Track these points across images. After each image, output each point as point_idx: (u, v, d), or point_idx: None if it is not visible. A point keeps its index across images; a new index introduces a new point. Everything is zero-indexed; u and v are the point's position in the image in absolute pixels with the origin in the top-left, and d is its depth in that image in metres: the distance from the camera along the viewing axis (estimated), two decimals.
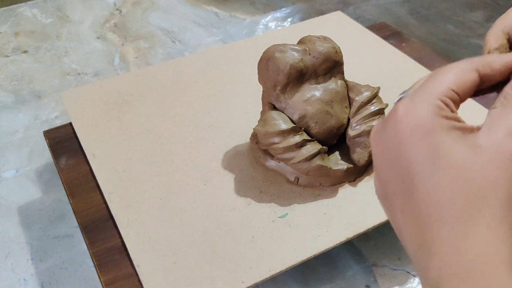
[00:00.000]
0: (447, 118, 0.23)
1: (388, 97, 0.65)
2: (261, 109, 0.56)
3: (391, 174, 0.25)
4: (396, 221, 0.25)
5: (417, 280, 0.54)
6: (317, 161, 0.51)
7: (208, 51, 0.75)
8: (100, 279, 0.46)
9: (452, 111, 0.24)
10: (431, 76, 0.25)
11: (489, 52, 0.34)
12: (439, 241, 0.22)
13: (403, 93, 0.26)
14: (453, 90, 0.24)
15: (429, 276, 0.22)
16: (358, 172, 0.54)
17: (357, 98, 0.54)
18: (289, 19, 1.02)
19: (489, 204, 0.22)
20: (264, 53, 0.53)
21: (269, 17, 1.03)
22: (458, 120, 0.24)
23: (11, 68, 0.89)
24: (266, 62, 0.52)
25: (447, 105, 0.24)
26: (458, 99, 0.25)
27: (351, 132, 0.53)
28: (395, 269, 0.55)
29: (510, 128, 0.23)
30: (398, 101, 0.26)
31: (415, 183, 0.23)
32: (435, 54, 0.77)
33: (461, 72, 0.25)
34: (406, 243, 0.24)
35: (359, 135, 0.53)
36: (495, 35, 0.34)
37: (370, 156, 0.53)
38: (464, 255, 0.21)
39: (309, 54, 0.52)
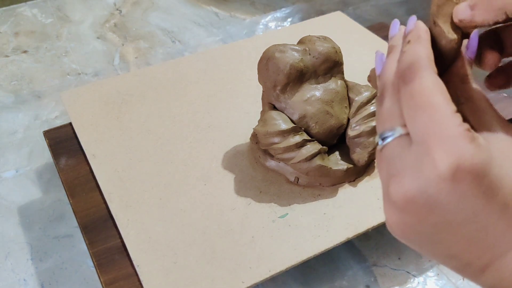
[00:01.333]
0: (479, 142, 0.22)
1: None
2: (261, 109, 0.56)
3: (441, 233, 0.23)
4: (457, 259, 0.24)
5: (417, 280, 0.54)
6: (317, 161, 0.51)
7: (208, 51, 0.75)
8: (100, 279, 0.46)
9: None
10: (421, 105, 0.22)
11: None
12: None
13: (381, 127, 0.25)
14: (458, 114, 0.22)
15: None
16: (358, 172, 0.54)
17: (357, 98, 0.54)
18: (289, 19, 1.02)
19: None
20: (264, 53, 0.53)
21: (269, 17, 1.03)
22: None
23: (11, 68, 0.89)
24: (266, 62, 0.52)
25: (469, 130, 0.22)
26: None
27: (351, 132, 0.53)
28: (395, 269, 0.55)
29: (499, 119, 0.24)
30: (394, 139, 0.24)
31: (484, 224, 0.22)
32: None
33: (446, 92, 0.23)
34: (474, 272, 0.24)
35: (359, 135, 0.53)
36: None
37: (369, 156, 0.53)
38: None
39: (309, 54, 0.52)
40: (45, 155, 0.71)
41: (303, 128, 0.52)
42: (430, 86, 0.23)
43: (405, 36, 0.27)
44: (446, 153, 0.21)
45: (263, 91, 0.55)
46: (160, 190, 0.54)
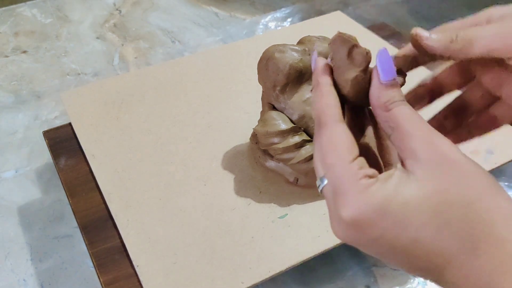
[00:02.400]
0: (380, 182, 0.25)
1: None
2: (261, 109, 0.56)
3: (384, 255, 0.25)
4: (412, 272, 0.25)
5: (417, 280, 0.54)
6: None
7: (208, 51, 0.75)
8: (99, 280, 0.46)
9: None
10: (326, 151, 0.26)
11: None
12: (457, 275, 0.23)
13: (317, 173, 0.27)
14: (354, 156, 0.25)
15: None
16: None
17: None
18: (289, 19, 1.02)
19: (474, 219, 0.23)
20: (264, 53, 0.53)
21: (269, 17, 1.03)
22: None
23: (10, 68, 0.89)
24: (266, 62, 0.52)
25: (366, 176, 0.25)
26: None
27: None
28: (395, 270, 0.55)
29: (425, 137, 0.25)
30: (323, 188, 0.26)
31: (413, 251, 0.24)
32: None
33: (346, 137, 0.26)
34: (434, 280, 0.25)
35: None
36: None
37: None
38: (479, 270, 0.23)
39: (309, 54, 0.52)
40: (45, 155, 0.71)
41: (302, 128, 0.52)
42: (331, 140, 0.26)
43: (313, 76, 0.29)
44: (345, 207, 0.24)
45: (262, 91, 0.55)
46: (160, 190, 0.54)
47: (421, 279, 0.54)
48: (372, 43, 0.77)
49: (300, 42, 0.54)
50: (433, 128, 0.25)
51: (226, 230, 0.50)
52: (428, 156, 0.24)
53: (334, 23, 0.80)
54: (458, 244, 0.23)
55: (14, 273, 0.56)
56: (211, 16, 1.04)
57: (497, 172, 0.67)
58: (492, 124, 0.35)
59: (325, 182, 0.26)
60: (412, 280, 0.54)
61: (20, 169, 0.69)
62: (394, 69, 0.27)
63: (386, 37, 0.79)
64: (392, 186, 0.24)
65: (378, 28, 0.82)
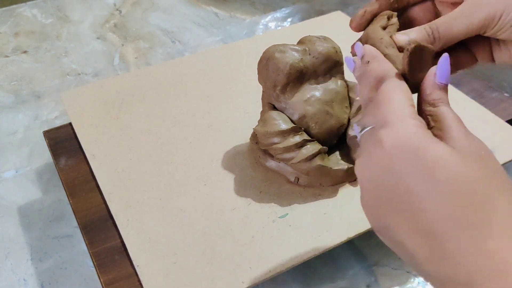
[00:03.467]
0: (429, 132, 0.26)
1: None
2: (261, 109, 0.56)
3: (390, 205, 0.26)
4: (404, 248, 0.26)
5: (417, 280, 0.54)
6: (317, 161, 0.51)
7: (208, 51, 0.75)
8: (100, 279, 0.46)
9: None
10: (383, 101, 0.28)
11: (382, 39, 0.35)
12: (462, 248, 0.23)
13: (359, 125, 0.30)
14: (412, 106, 0.28)
15: (458, 282, 0.23)
16: None
17: (357, 98, 0.54)
18: (289, 19, 1.02)
19: (496, 205, 0.23)
20: (264, 53, 0.53)
21: (269, 17, 1.03)
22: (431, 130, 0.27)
23: (11, 68, 0.89)
24: (266, 62, 0.52)
25: (421, 121, 0.27)
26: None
27: (351, 132, 0.53)
28: (396, 269, 0.55)
29: (465, 131, 0.27)
30: (364, 132, 0.28)
31: (421, 205, 0.24)
32: None
33: (406, 91, 0.29)
34: (420, 262, 0.25)
35: None
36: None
37: None
38: (494, 254, 0.22)
39: (309, 54, 0.52)
40: (45, 155, 0.71)
41: (303, 128, 0.52)
42: (392, 87, 0.28)
43: (362, 61, 0.32)
44: (389, 135, 0.26)
45: (263, 91, 0.55)
46: (160, 190, 0.54)
47: (422, 279, 0.54)
48: None
49: (300, 42, 0.54)
50: (467, 128, 0.28)
51: (226, 230, 0.50)
52: (466, 144, 0.26)
53: (334, 23, 0.80)
54: (465, 224, 0.23)
55: (14, 273, 0.56)
56: (211, 16, 1.04)
57: None
58: (470, 62, 0.38)
59: (369, 128, 0.28)
60: (412, 280, 0.54)
61: (20, 169, 0.69)
62: (449, 75, 0.30)
63: None
64: (437, 140, 0.26)
65: None
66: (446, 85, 0.29)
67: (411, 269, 0.55)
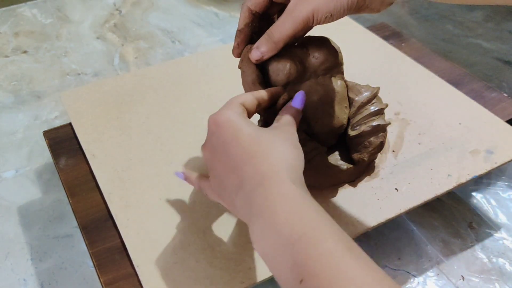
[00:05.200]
0: (244, 116, 0.41)
1: (388, 97, 0.65)
2: None
3: (223, 167, 0.39)
4: (222, 182, 0.39)
5: (417, 280, 0.54)
6: (317, 162, 0.51)
7: (208, 51, 0.75)
8: (100, 279, 0.46)
9: (247, 115, 0.42)
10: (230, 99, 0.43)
11: (240, 31, 0.48)
12: (251, 167, 0.37)
13: None
14: (243, 105, 0.42)
15: (255, 183, 0.36)
16: (358, 172, 0.54)
17: (357, 98, 0.54)
18: None
19: (260, 148, 0.38)
20: None
21: None
22: (248, 118, 0.42)
23: (11, 68, 0.89)
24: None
25: (243, 111, 0.41)
26: (247, 111, 0.42)
27: (351, 132, 0.53)
28: (395, 269, 0.55)
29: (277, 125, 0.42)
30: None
31: (232, 155, 0.38)
32: (434, 54, 0.77)
33: (247, 96, 0.43)
34: (231, 189, 0.38)
35: (359, 135, 0.53)
36: (243, 15, 0.47)
37: (370, 156, 0.53)
38: (260, 165, 0.36)
39: (309, 54, 0.52)
40: (45, 155, 0.71)
41: (302, 128, 0.52)
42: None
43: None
44: (218, 114, 0.41)
45: None
46: (160, 190, 0.54)
47: (421, 279, 0.54)
48: (372, 43, 0.77)
49: (300, 42, 0.54)
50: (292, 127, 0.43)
51: (226, 230, 0.50)
52: (272, 127, 0.42)
53: (334, 23, 0.79)
54: (250, 157, 0.38)
55: (14, 273, 0.56)
56: (211, 16, 1.05)
57: (497, 172, 0.67)
58: None
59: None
60: (412, 280, 0.54)
61: (20, 169, 0.69)
62: (303, 103, 0.46)
63: (386, 37, 0.79)
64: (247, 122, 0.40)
65: (378, 28, 0.82)
66: (298, 109, 0.45)
67: (409, 269, 0.55)
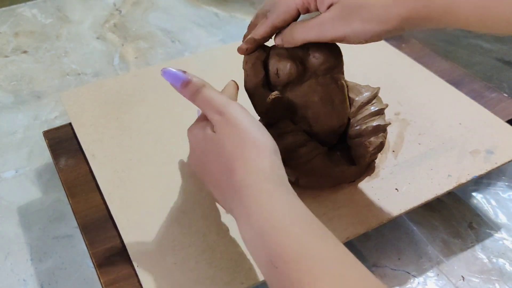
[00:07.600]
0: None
1: (388, 97, 0.65)
2: None
3: (209, 157, 0.43)
4: (213, 179, 0.42)
5: (417, 280, 0.54)
6: (317, 162, 0.51)
7: (208, 51, 0.75)
8: (100, 280, 0.46)
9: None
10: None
11: (255, 40, 0.50)
12: (241, 161, 0.39)
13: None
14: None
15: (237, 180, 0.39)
16: (358, 172, 0.54)
17: (357, 98, 0.54)
18: None
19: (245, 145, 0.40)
20: None
21: None
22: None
23: (10, 68, 0.89)
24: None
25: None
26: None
27: (351, 132, 0.53)
28: (395, 270, 0.55)
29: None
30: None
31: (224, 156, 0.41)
32: (435, 55, 0.77)
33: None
34: (222, 187, 0.41)
35: (359, 135, 0.53)
36: (264, 29, 0.49)
37: (370, 156, 0.52)
38: (251, 160, 0.39)
39: (310, 54, 0.52)
40: (45, 155, 0.71)
41: (303, 128, 0.52)
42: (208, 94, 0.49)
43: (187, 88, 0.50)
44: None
45: None
46: (160, 190, 0.54)
47: (421, 279, 0.54)
48: (373, 43, 0.77)
49: None
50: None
51: (226, 230, 0.50)
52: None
53: None
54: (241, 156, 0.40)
55: (14, 273, 0.56)
56: (211, 16, 1.04)
57: (497, 172, 0.67)
58: None
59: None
60: (412, 280, 0.54)
61: (20, 169, 0.69)
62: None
63: (386, 38, 0.79)
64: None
65: None
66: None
67: (410, 269, 0.55)
